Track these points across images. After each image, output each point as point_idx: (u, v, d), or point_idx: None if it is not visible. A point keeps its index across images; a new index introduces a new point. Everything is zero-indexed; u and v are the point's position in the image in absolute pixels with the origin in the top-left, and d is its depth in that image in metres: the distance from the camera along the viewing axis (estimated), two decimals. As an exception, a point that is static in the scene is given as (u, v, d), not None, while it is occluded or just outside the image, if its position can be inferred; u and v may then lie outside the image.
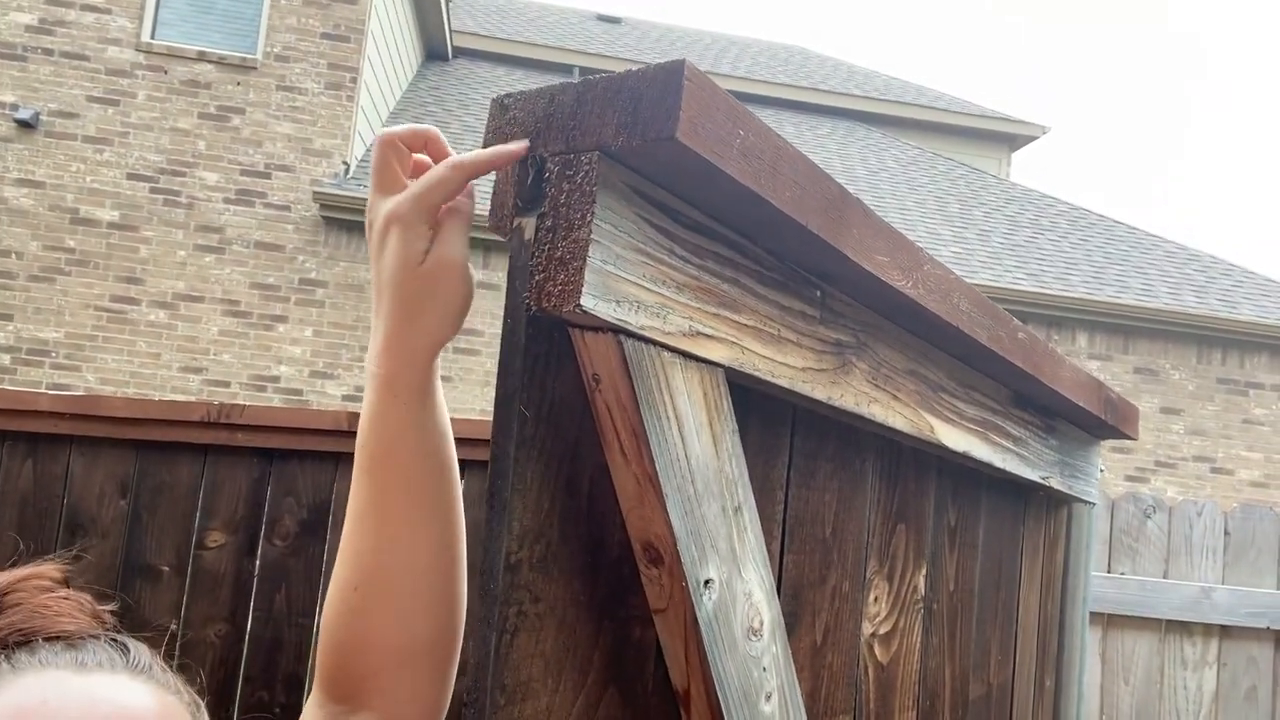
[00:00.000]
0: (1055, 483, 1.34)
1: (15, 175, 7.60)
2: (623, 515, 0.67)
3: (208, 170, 7.81)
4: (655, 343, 0.62)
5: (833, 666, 0.90)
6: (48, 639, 0.52)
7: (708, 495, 0.67)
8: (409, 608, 0.64)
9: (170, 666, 0.60)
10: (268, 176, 7.86)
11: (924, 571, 1.07)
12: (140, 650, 0.56)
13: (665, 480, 0.63)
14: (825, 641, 0.89)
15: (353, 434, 2.33)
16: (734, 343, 0.69)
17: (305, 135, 7.95)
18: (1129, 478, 8.56)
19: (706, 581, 0.67)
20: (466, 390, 7.68)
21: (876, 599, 0.98)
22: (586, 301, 0.56)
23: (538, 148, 0.60)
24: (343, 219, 7.75)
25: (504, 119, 0.62)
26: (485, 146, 0.63)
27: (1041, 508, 1.44)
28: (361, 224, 7.74)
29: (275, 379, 7.64)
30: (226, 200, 7.80)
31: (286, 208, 7.84)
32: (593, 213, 0.56)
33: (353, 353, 7.74)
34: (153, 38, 7.91)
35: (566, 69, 12.20)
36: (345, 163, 7.95)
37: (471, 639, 0.58)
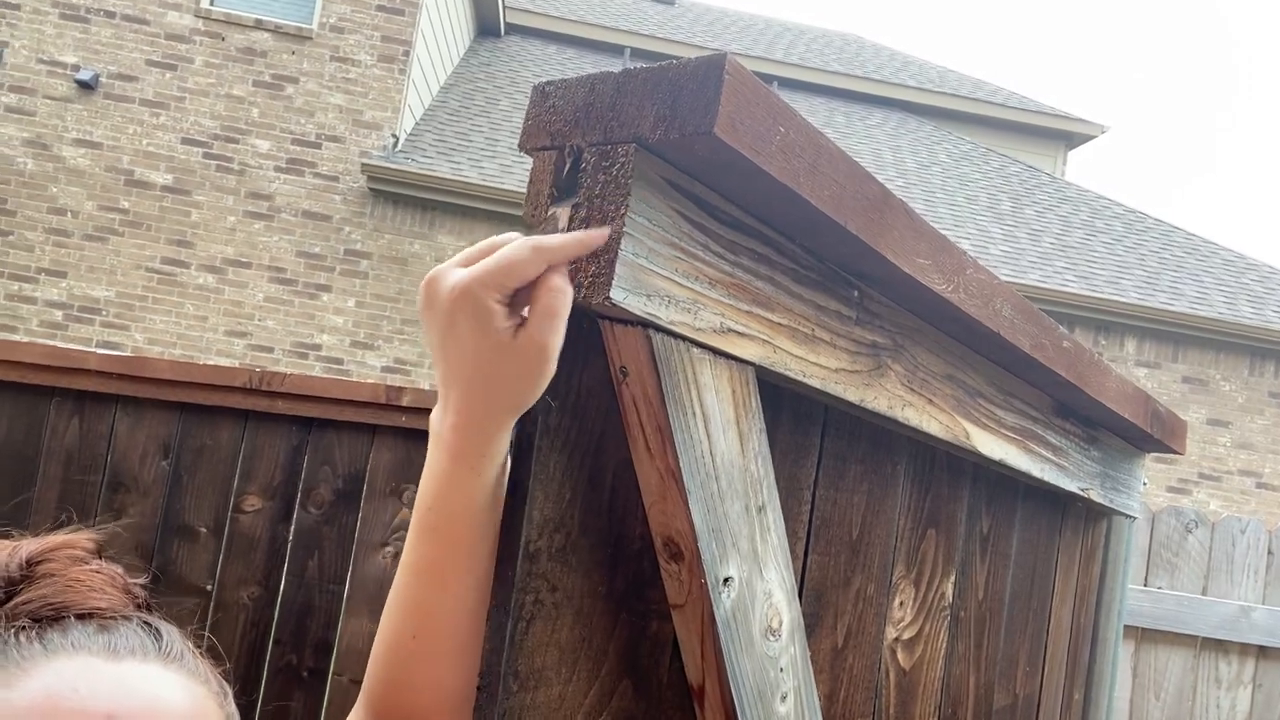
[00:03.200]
0: (1095, 495, 1.31)
1: (74, 135, 7.76)
2: (645, 509, 0.67)
3: (260, 138, 7.92)
4: (685, 338, 0.61)
5: (853, 670, 0.89)
6: (79, 616, 0.51)
7: (731, 493, 0.67)
8: (469, 653, 0.62)
9: (200, 649, 0.59)
10: (318, 146, 7.95)
11: (953, 578, 1.06)
12: (172, 635, 0.55)
13: (688, 477, 0.63)
14: (846, 644, 0.88)
15: (391, 407, 2.36)
16: (766, 341, 0.68)
17: (356, 107, 8.02)
18: (1171, 489, 8.38)
19: (726, 580, 0.67)
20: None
21: (902, 604, 0.96)
22: (616, 294, 0.56)
23: (575, 137, 0.59)
24: (389, 192, 7.82)
25: (544, 106, 0.62)
26: (525, 128, 0.62)
27: (1080, 519, 1.41)
28: (408, 198, 7.81)
29: (317, 347, 7.76)
30: (277, 169, 7.91)
31: (335, 178, 7.93)
32: (627, 205, 0.56)
33: (394, 325, 7.83)
34: (212, 4, 8.02)
35: (618, 50, 12.15)
36: (394, 135, 8.01)
37: (488, 624, 0.58)
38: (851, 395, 0.78)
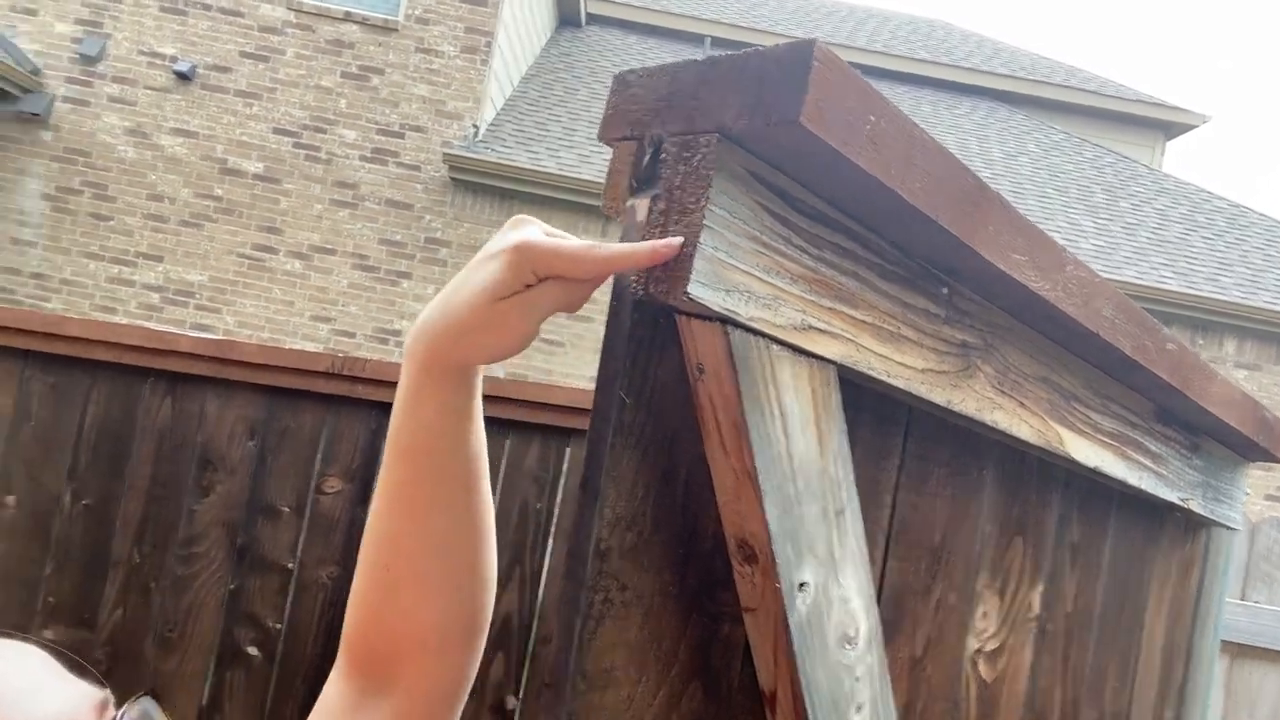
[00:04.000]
0: (1196, 505, 1.24)
1: (172, 124, 8.08)
2: (718, 509, 0.65)
3: (347, 128, 8.11)
4: (764, 335, 0.59)
5: (932, 681, 0.86)
6: None
7: (808, 495, 0.65)
8: (437, 589, 0.63)
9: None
10: (401, 136, 8.11)
11: (1040, 589, 1.01)
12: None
13: (764, 477, 0.61)
14: (925, 654, 0.85)
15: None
16: (849, 339, 0.65)
17: (439, 97, 8.15)
18: (1269, 497, 7.97)
19: (801, 584, 0.65)
20: (578, 357, 7.78)
21: (985, 614, 0.93)
22: (695, 289, 0.54)
23: (656, 126, 0.58)
24: (470, 181, 7.94)
25: (625, 95, 0.60)
26: (605, 118, 0.61)
27: (1178, 530, 1.34)
28: (487, 187, 7.91)
29: (397, 333, 7.93)
30: (362, 158, 8.09)
31: (417, 167, 8.07)
32: (707, 197, 0.54)
33: (472, 312, 7.95)
34: (303, -2, 8.24)
35: (699, 39, 12.07)
36: (475, 125, 8.12)
37: (557, 622, 0.57)
38: (938, 397, 0.74)
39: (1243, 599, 2.64)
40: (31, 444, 2.15)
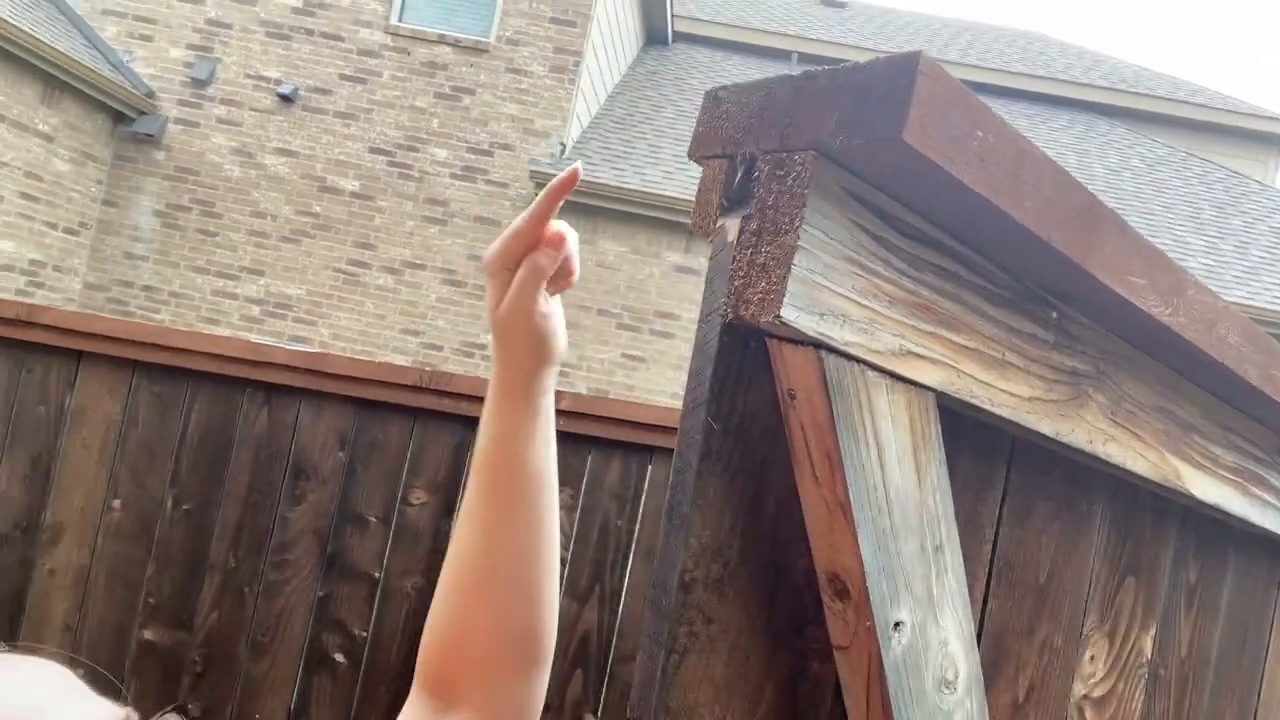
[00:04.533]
0: (1322, 546, 1.15)
1: (275, 144, 8.43)
2: (809, 541, 0.62)
3: (438, 147, 8.32)
4: (860, 360, 0.57)
5: (1033, 728, 0.81)
6: None
7: (905, 530, 0.61)
8: (507, 607, 0.65)
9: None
10: (490, 154, 8.28)
11: (1153, 632, 0.95)
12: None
13: (858, 510, 0.58)
14: (1028, 699, 0.80)
15: (548, 410, 2.39)
16: (950, 365, 0.62)
17: (527, 116, 8.30)
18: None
19: (897, 624, 0.61)
20: (659, 373, 7.77)
21: (1093, 657, 0.87)
22: (787, 313, 0.52)
23: (747, 143, 0.56)
24: (556, 198, 8.03)
25: (716, 112, 0.59)
26: (695, 136, 0.59)
27: (1303, 572, 1.24)
28: (573, 203, 7.99)
29: (482, 346, 8.07)
30: (453, 175, 8.29)
31: (505, 185, 8.23)
32: (802, 217, 0.52)
33: (556, 327, 8.03)
34: (400, 20, 8.51)
35: (785, 55, 12.01)
36: (562, 143, 8.23)
37: (641, 653, 0.56)
38: (1045, 427, 0.70)
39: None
40: (137, 450, 2.24)
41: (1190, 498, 0.89)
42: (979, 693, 0.68)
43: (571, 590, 2.25)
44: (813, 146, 0.52)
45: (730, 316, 0.54)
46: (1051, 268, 0.63)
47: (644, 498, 2.33)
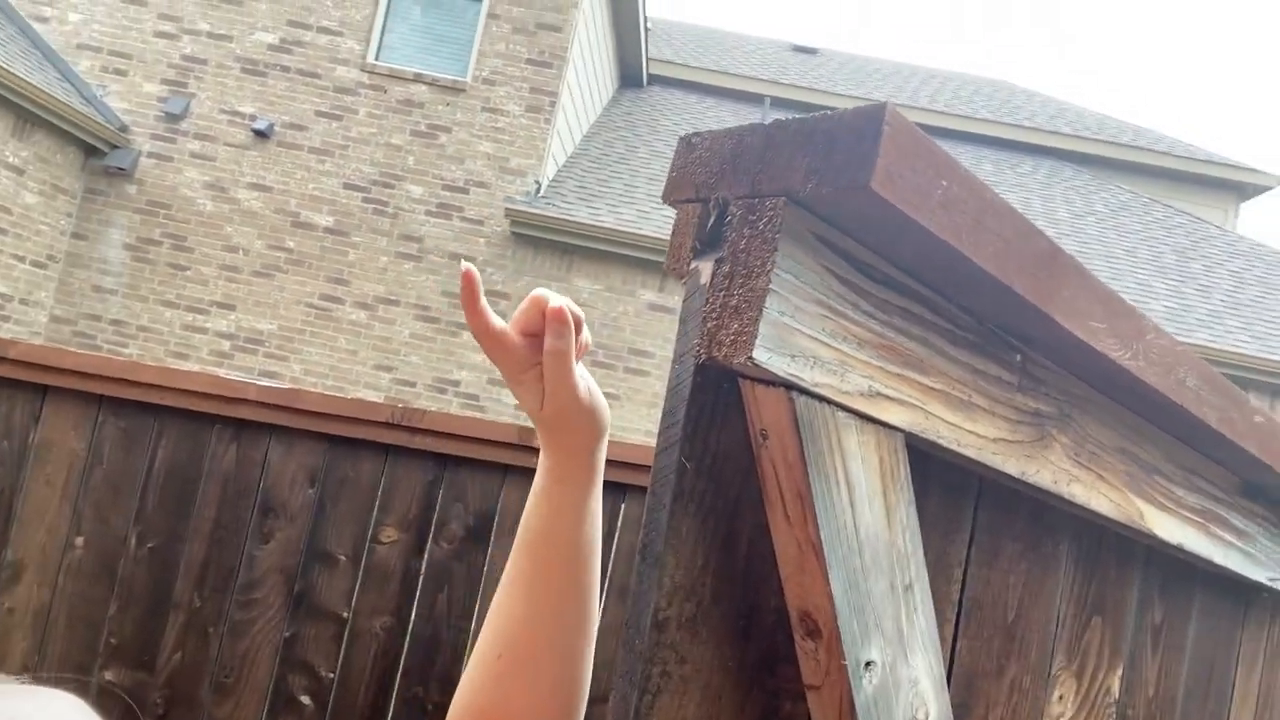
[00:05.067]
0: (1283, 585, 1.17)
1: (249, 179, 8.41)
2: (780, 580, 0.63)
3: (413, 184, 8.35)
4: (830, 401, 0.58)
5: (1002, 768, 0.81)
6: None
7: (875, 569, 0.62)
8: (547, 679, 0.65)
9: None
10: (466, 192, 8.32)
11: (1120, 672, 0.96)
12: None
13: (829, 549, 0.59)
14: (996, 740, 0.80)
15: (524, 448, 2.39)
16: (918, 406, 0.63)
17: (503, 154, 8.36)
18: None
19: (868, 663, 0.62)
20: (633, 410, 7.78)
21: (1061, 698, 0.88)
22: (759, 354, 0.53)
23: (720, 188, 0.57)
24: (531, 235, 8.08)
25: (690, 157, 0.60)
26: (669, 180, 0.61)
27: (1266, 611, 1.27)
28: (548, 241, 8.04)
29: (456, 383, 8.04)
30: (428, 212, 8.31)
31: (480, 222, 8.26)
32: (773, 261, 0.53)
33: (530, 364, 8.01)
34: (377, 59, 8.57)
35: (758, 99, 12.21)
36: (537, 181, 8.29)
37: (614, 695, 0.56)
38: (1011, 467, 0.71)
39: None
40: (102, 486, 2.20)
41: (1154, 538, 0.90)
42: (949, 732, 0.69)
43: (543, 630, 2.23)
44: (783, 193, 0.53)
45: (704, 357, 0.55)
46: (1014, 312, 0.65)
47: (618, 535, 2.32)
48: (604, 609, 2.27)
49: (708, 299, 0.56)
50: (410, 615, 2.27)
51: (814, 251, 0.56)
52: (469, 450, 2.31)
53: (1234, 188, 11.92)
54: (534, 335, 0.64)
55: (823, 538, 0.58)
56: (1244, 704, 1.25)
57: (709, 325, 0.55)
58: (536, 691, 0.64)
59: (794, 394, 0.56)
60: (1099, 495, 0.81)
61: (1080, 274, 0.67)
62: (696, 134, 0.61)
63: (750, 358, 0.52)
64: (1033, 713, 0.85)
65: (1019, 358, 0.72)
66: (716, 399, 0.57)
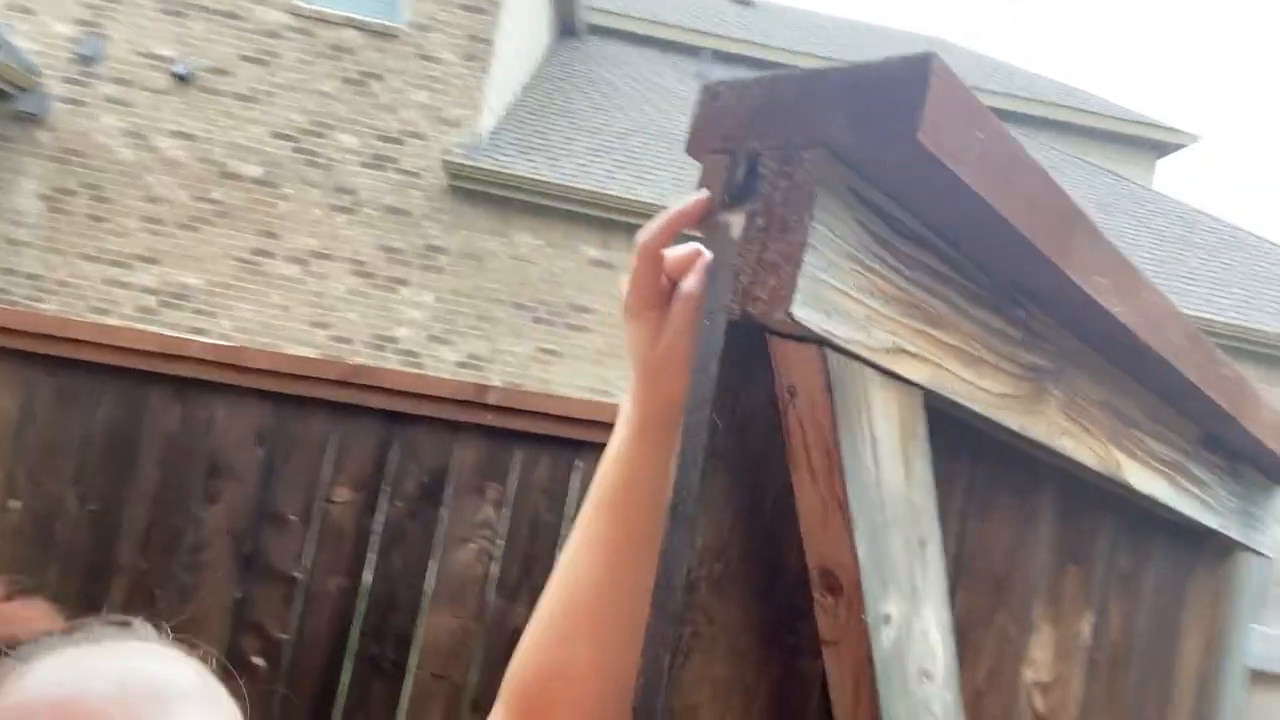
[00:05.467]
0: (1234, 532, 1.22)
1: (170, 127, 8.03)
2: (801, 538, 0.63)
3: (345, 134, 8.08)
4: (859, 358, 0.57)
5: (993, 715, 0.83)
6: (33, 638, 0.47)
7: (895, 525, 0.62)
8: (612, 641, 0.63)
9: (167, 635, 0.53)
10: (401, 143, 8.09)
11: (1090, 618, 0.99)
12: (141, 623, 0.52)
13: (855, 505, 0.58)
14: (989, 687, 0.82)
15: (476, 405, 2.36)
16: (936, 363, 0.63)
17: (438, 104, 8.14)
18: (1265, 517, 7.99)
19: (886, 617, 0.62)
20: (576, 367, 7.75)
21: (1041, 645, 0.90)
22: (797, 310, 0.52)
23: (750, 139, 0.56)
24: (468, 188, 7.91)
25: (714, 106, 0.58)
26: (693, 132, 0.59)
27: (1214, 557, 1.33)
28: (485, 195, 7.89)
29: (394, 340, 7.89)
30: (362, 164, 8.06)
31: (416, 174, 8.05)
32: (811, 214, 0.52)
33: (469, 320, 7.92)
34: (303, 0, 8.21)
35: (695, 50, 12.10)
36: (475, 133, 8.11)
37: (644, 655, 0.55)
38: (1012, 422, 0.72)
39: (1256, 624, 2.62)
40: (36, 447, 2.11)
41: (1127, 488, 0.93)
42: (954, 684, 0.70)
43: (502, 588, 2.22)
44: (823, 143, 0.52)
45: (737, 314, 0.54)
46: (1028, 267, 0.65)
47: (572, 493, 2.32)
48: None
49: (740, 253, 0.54)
50: (365, 575, 2.24)
51: (848, 205, 0.55)
52: (421, 408, 2.27)
53: (1152, 145, 12.30)
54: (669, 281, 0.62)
55: (849, 494, 0.58)
56: (1190, 643, 1.32)
57: (743, 280, 0.53)
58: (605, 651, 0.63)
59: (826, 350, 0.55)
60: (1085, 448, 0.83)
61: (1092, 231, 0.67)
62: (720, 82, 0.59)
63: (788, 313, 0.51)
64: (1015, 659, 0.88)
65: (1023, 313, 0.73)
66: (746, 355, 0.56)
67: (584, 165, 8.17)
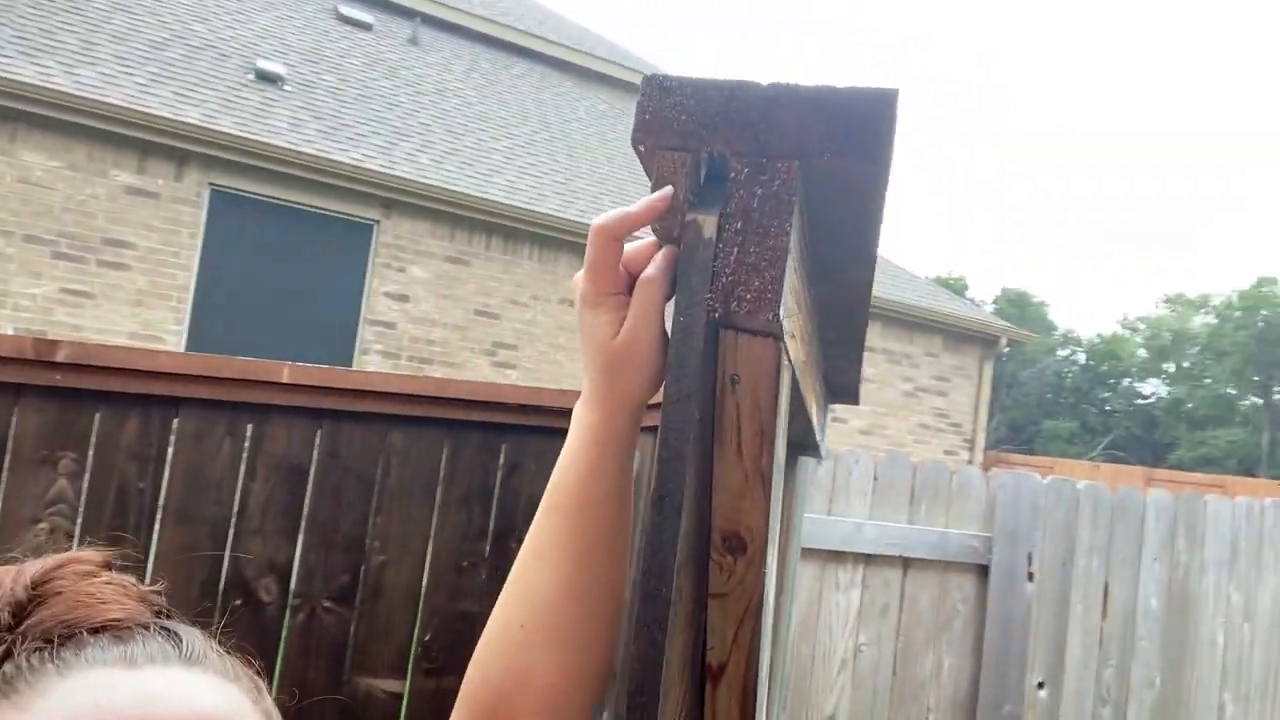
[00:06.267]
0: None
1: None
2: (711, 507, 0.68)
3: None
4: (787, 350, 0.64)
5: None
6: (93, 631, 0.48)
7: (776, 490, 0.71)
8: (572, 641, 0.63)
9: (226, 649, 0.54)
10: None
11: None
12: (193, 636, 0.52)
13: (775, 479, 0.66)
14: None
15: (40, 363, 2.00)
16: (798, 343, 0.72)
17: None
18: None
19: (770, 569, 0.71)
20: (114, 310, 6.68)
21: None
22: (782, 310, 0.57)
23: (715, 142, 0.58)
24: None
25: (667, 101, 0.59)
26: (641, 123, 0.59)
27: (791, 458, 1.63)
28: None
29: None
30: None
31: None
32: (790, 222, 0.57)
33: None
34: None
35: None
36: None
37: (639, 640, 0.57)
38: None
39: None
40: None
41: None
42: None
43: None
44: (798, 156, 0.57)
45: (719, 313, 0.57)
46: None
47: (170, 456, 2.08)
48: (159, 537, 2.05)
49: (717, 254, 0.57)
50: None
51: (798, 215, 0.60)
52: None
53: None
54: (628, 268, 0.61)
55: (773, 469, 0.65)
56: (785, 527, 1.62)
57: (724, 280, 0.57)
58: (566, 659, 0.61)
59: (781, 344, 0.61)
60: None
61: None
62: (668, 77, 0.60)
63: (775, 314, 0.56)
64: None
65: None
66: (710, 348, 0.60)
67: (109, 75, 6.93)
